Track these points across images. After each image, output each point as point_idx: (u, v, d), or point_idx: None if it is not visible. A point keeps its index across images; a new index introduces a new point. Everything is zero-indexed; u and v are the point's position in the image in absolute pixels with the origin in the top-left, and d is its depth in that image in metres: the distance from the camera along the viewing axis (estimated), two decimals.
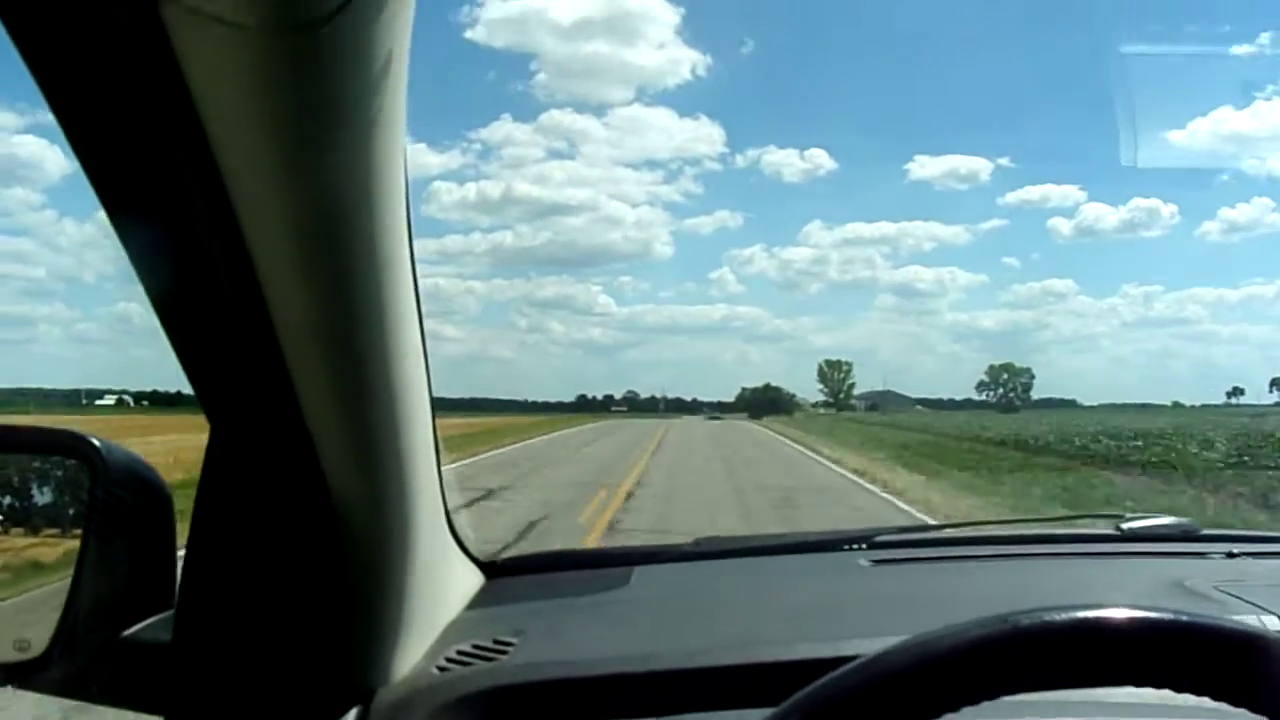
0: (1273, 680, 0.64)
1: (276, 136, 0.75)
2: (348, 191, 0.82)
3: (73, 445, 1.09)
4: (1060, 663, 0.65)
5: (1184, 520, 1.75)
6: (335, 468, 0.99)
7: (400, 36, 0.76)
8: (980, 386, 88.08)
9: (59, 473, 1.15)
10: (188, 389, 1.03)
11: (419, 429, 1.05)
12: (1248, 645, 0.65)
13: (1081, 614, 0.65)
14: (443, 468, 1.20)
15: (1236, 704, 0.65)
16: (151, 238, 0.86)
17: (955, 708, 0.65)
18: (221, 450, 1.02)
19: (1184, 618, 0.65)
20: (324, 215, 0.82)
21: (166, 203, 0.82)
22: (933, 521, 7.44)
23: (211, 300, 0.88)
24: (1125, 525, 1.70)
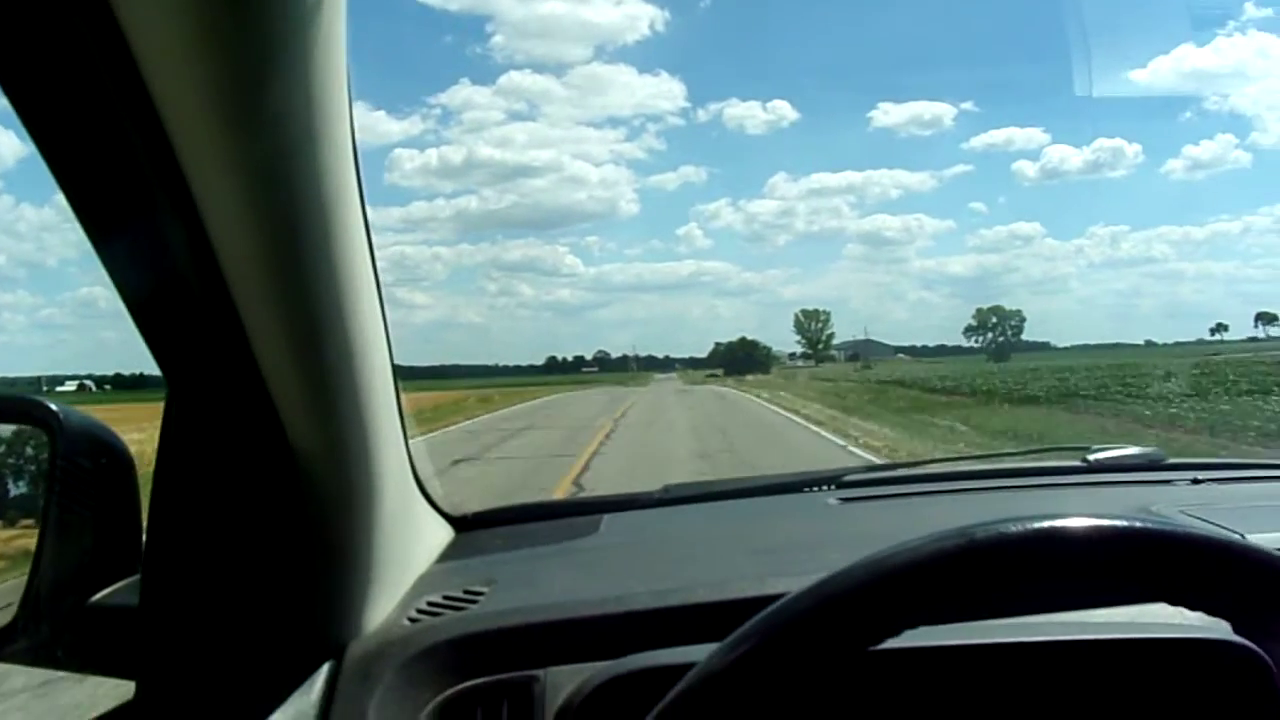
0: (1235, 583, 0.64)
1: (218, 89, 0.75)
2: (292, 141, 0.81)
3: (29, 411, 1.09)
4: (1019, 574, 0.64)
5: (1150, 450, 1.79)
6: (295, 423, 0.99)
7: None
8: (969, 331, 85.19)
9: (17, 440, 1.15)
10: (150, 370, 1.03)
11: (379, 383, 1.05)
12: (1209, 549, 0.65)
13: (1039, 524, 0.64)
14: (407, 423, 1.20)
15: (1195, 608, 0.65)
16: (101, 200, 0.85)
17: (914, 624, 0.64)
18: (180, 410, 1.03)
19: (1144, 523, 0.65)
20: (269, 165, 0.81)
21: (114, 165, 0.82)
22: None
23: (163, 259, 0.88)
24: (1092, 456, 1.74)
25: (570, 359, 76.84)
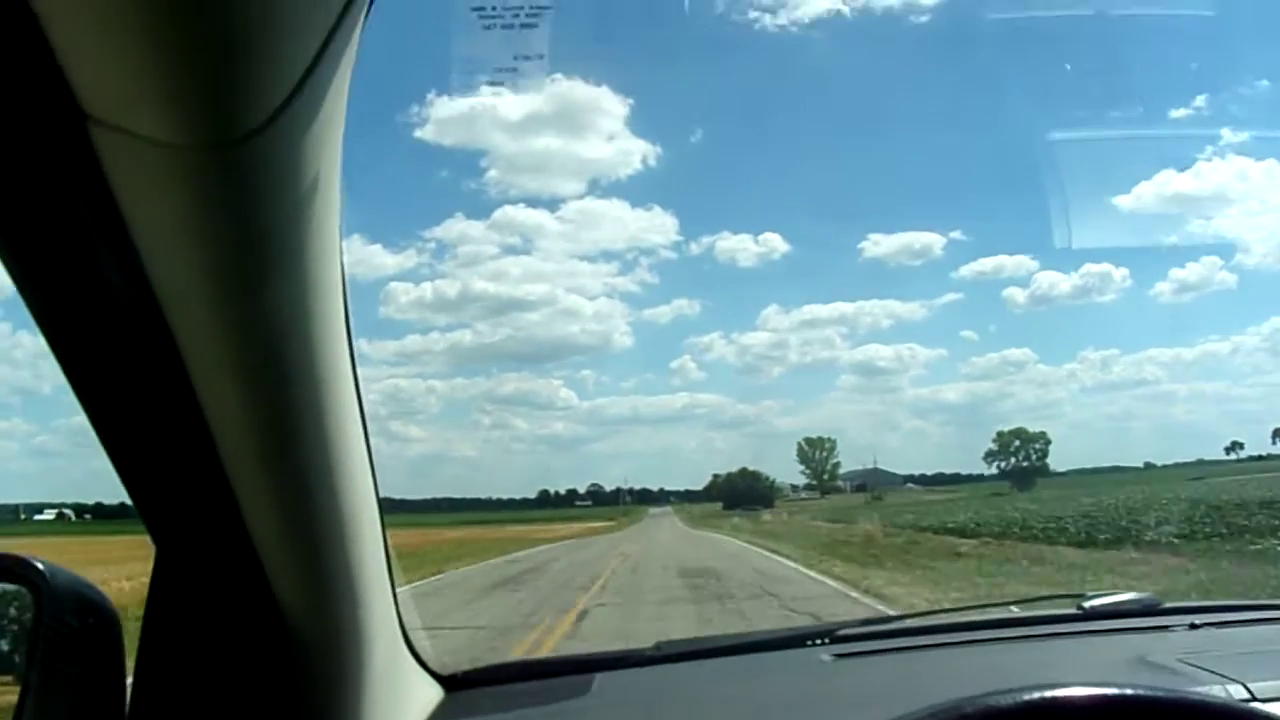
0: None
1: (208, 251, 0.77)
2: (284, 305, 0.84)
3: (15, 570, 1.09)
4: None
5: (1145, 595, 1.79)
6: (283, 584, 1.00)
7: (329, 149, 0.79)
8: (989, 456, 78.91)
9: (1, 599, 1.15)
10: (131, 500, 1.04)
11: (369, 543, 1.06)
12: (1208, 715, 0.65)
13: (1030, 695, 0.63)
14: (397, 581, 1.21)
15: None
16: (88, 357, 0.87)
17: None
18: (168, 571, 1.03)
19: (1140, 692, 0.64)
20: (260, 329, 0.83)
21: (101, 319, 0.84)
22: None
23: (150, 420, 0.90)
24: (1087, 604, 1.74)
25: (563, 492, 76.13)
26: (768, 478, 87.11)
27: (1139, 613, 1.73)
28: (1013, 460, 77.36)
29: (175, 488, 0.95)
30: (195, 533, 0.99)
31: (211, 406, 0.87)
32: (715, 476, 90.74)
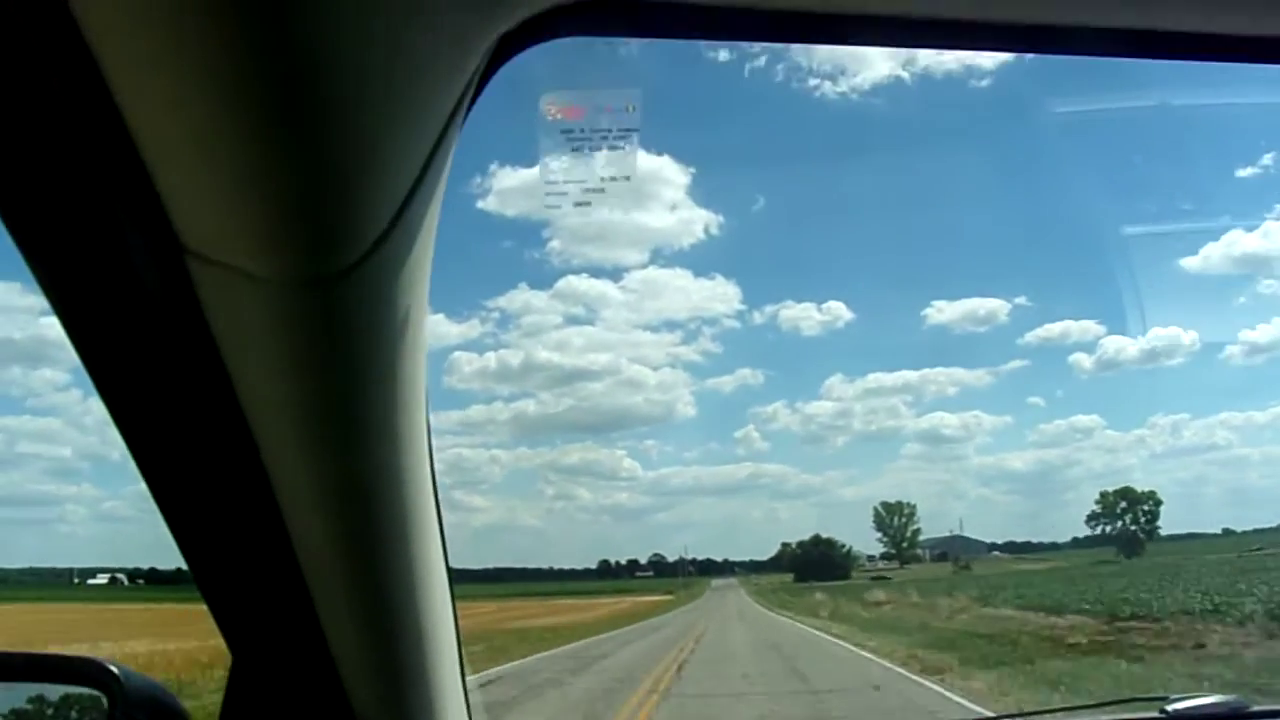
0: None
1: (299, 384, 0.80)
2: (369, 427, 0.85)
3: (91, 674, 1.12)
4: None
5: (1230, 698, 1.73)
6: (360, 698, 1.01)
7: (419, 284, 0.81)
8: (1093, 519, 71.84)
9: (78, 703, 1.17)
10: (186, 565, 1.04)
11: (445, 660, 1.08)
12: None
13: None
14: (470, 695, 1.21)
15: None
16: (178, 479, 0.90)
17: None
18: (244, 678, 1.05)
19: None
20: (346, 457, 0.86)
21: (194, 443, 0.86)
22: None
23: (234, 531, 0.92)
24: (1171, 707, 1.68)
25: (624, 562, 75.63)
26: (843, 545, 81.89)
27: (1226, 716, 1.67)
28: (1120, 524, 69.64)
29: (253, 596, 0.98)
30: (271, 639, 1.01)
31: (294, 516, 0.89)
32: (785, 545, 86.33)
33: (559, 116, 1.16)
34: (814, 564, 72.34)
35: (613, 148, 1.22)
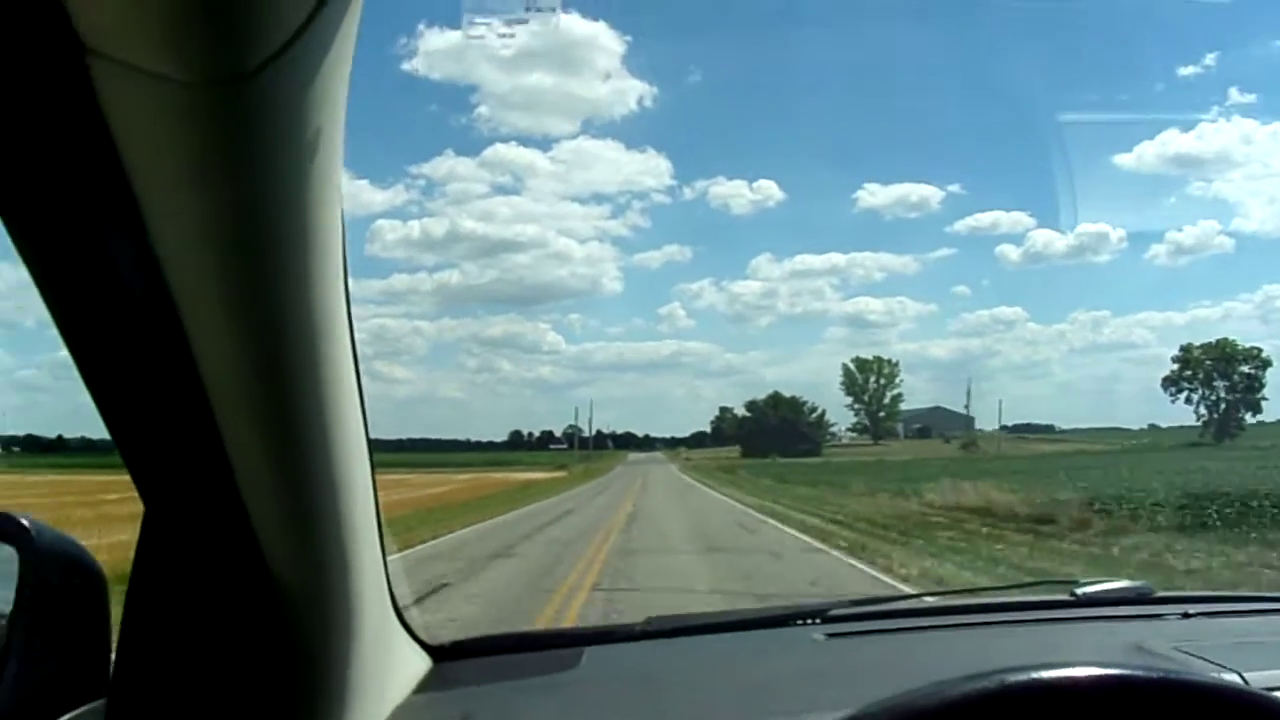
0: None
1: (205, 190, 0.78)
2: (283, 248, 0.85)
3: (0, 526, 1.12)
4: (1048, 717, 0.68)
5: (1138, 583, 1.88)
6: (273, 549, 1.04)
7: (334, 88, 0.80)
8: (1169, 384, 53.11)
9: None
10: (81, 434, 1.05)
11: (360, 509, 1.10)
12: (1226, 700, 0.69)
13: (1042, 674, 0.69)
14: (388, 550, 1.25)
15: None
16: (77, 297, 0.88)
17: None
18: (156, 530, 1.07)
19: (1154, 674, 0.69)
20: (258, 271, 0.84)
21: (92, 259, 0.85)
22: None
23: (141, 372, 0.92)
24: (1080, 590, 1.82)
25: (538, 434, 76.53)
26: (813, 407, 67.51)
27: (1132, 600, 1.82)
28: (1209, 393, 52.68)
29: (166, 444, 0.98)
30: (185, 490, 1.02)
31: (206, 355, 0.89)
32: (724, 411, 77.73)
33: None
34: (772, 432, 62.84)
35: None
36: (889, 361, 66.23)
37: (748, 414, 69.16)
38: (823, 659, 1.57)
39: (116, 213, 0.80)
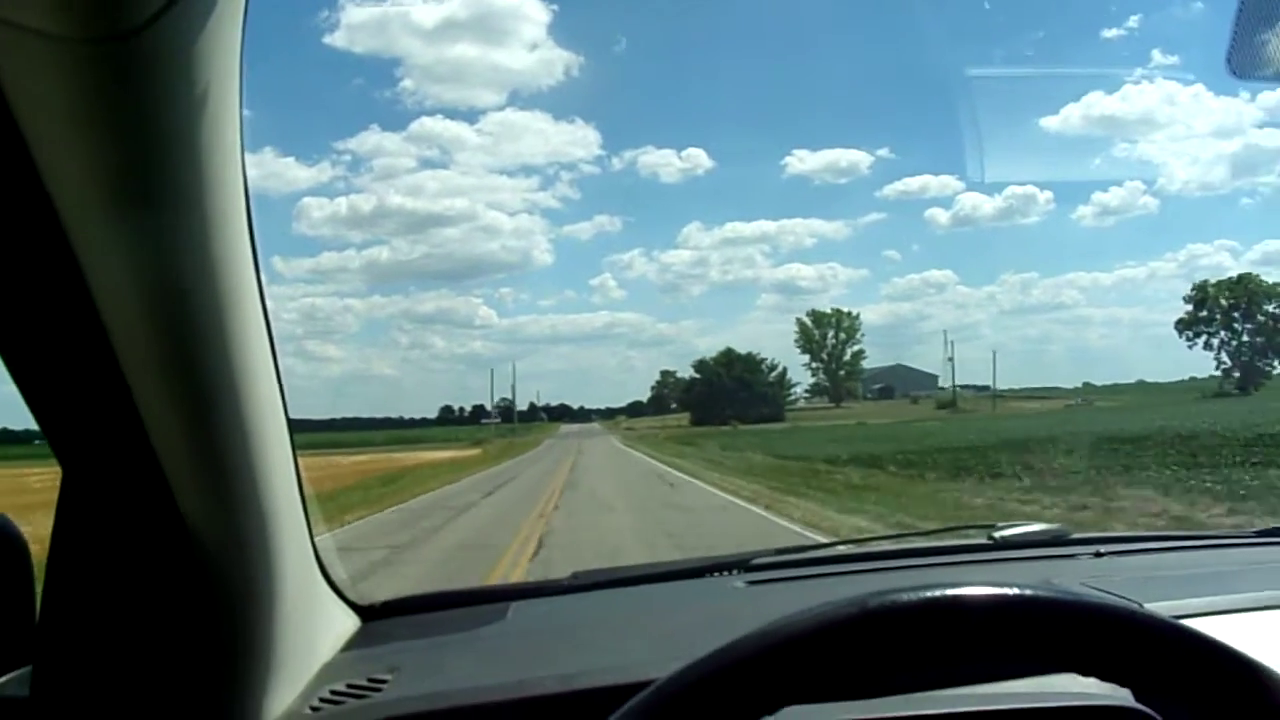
0: (1136, 650, 0.71)
1: (100, 150, 0.77)
2: (183, 212, 0.85)
3: None
4: (917, 645, 0.69)
5: (1054, 526, 1.98)
6: (192, 508, 1.06)
7: (226, 43, 0.80)
8: (1183, 325, 46.16)
9: None
10: (17, 426, 1.06)
11: (278, 468, 1.12)
12: (1110, 618, 0.71)
13: (935, 593, 0.69)
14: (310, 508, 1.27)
15: (1097, 676, 0.71)
16: None
17: (807, 697, 0.69)
18: (74, 494, 1.08)
19: (1045, 592, 0.70)
20: (159, 237, 0.85)
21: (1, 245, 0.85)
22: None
23: (50, 335, 0.93)
24: (998, 534, 1.92)
25: (469, 409, 76.05)
26: (772, 365, 59.38)
27: (1048, 542, 1.92)
28: (1228, 336, 44.71)
29: (80, 405, 0.99)
30: (101, 451, 1.03)
31: (112, 319, 0.89)
32: (665, 375, 74.83)
33: None
34: (726, 395, 54.84)
35: None
36: (849, 314, 60.92)
37: (697, 375, 62.79)
38: (741, 604, 1.63)
39: (10, 176, 0.79)
